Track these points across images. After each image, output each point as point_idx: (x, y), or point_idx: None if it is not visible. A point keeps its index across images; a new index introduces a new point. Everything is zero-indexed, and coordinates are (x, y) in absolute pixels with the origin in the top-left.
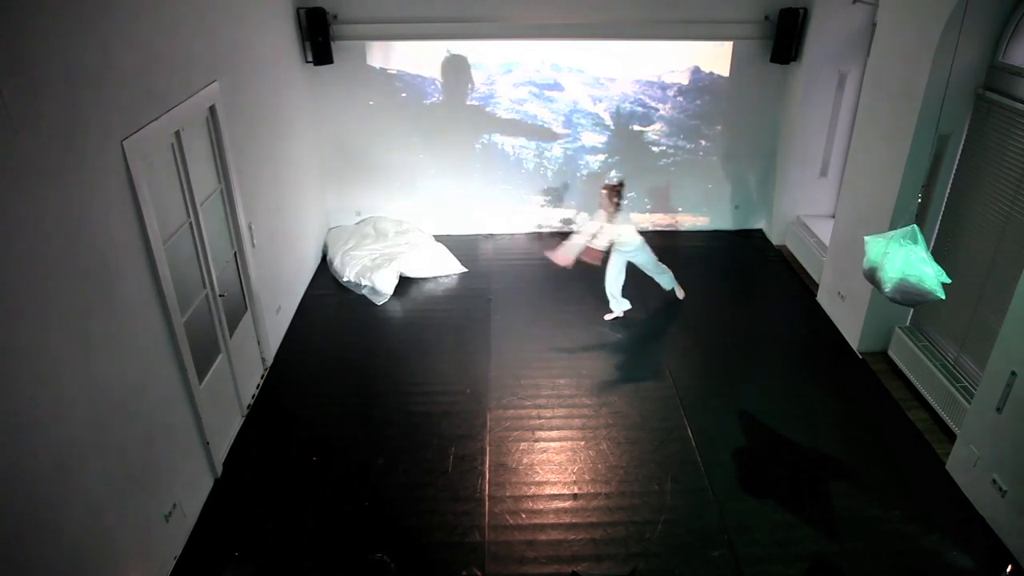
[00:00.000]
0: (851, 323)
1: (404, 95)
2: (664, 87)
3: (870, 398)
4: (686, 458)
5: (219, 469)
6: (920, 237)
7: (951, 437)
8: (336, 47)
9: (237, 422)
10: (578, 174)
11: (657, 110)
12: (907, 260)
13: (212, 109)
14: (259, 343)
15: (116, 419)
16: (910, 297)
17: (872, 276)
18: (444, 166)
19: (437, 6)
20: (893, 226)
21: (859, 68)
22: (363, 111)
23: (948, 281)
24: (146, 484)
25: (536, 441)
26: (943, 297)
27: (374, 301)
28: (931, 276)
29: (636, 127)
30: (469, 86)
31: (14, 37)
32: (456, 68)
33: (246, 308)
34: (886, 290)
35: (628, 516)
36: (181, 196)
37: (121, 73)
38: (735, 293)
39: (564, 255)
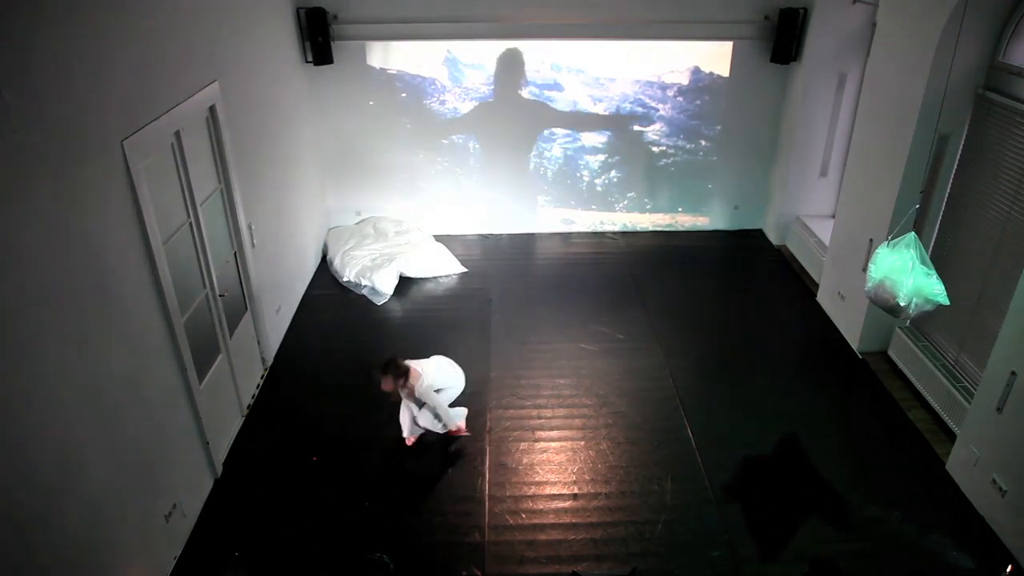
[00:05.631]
0: (851, 323)
1: (404, 95)
2: (664, 87)
3: (870, 398)
4: (686, 458)
5: (219, 469)
6: (916, 247)
7: (951, 437)
8: (336, 47)
9: (237, 422)
10: (578, 174)
11: (657, 110)
12: (892, 266)
13: (212, 109)
14: (259, 343)
15: (116, 419)
16: (881, 300)
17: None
18: (444, 166)
19: (437, 6)
20: (893, 226)
21: (859, 68)
22: (363, 111)
23: (945, 302)
24: (146, 484)
25: (536, 441)
26: (902, 304)
27: (374, 301)
28: (907, 285)
29: (636, 127)
30: (473, 85)
31: (14, 37)
32: (457, 68)
33: (246, 308)
34: (866, 287)
35: (628, 516)
36: (181, 196)
37: (121, 73)
38: (735, 293)
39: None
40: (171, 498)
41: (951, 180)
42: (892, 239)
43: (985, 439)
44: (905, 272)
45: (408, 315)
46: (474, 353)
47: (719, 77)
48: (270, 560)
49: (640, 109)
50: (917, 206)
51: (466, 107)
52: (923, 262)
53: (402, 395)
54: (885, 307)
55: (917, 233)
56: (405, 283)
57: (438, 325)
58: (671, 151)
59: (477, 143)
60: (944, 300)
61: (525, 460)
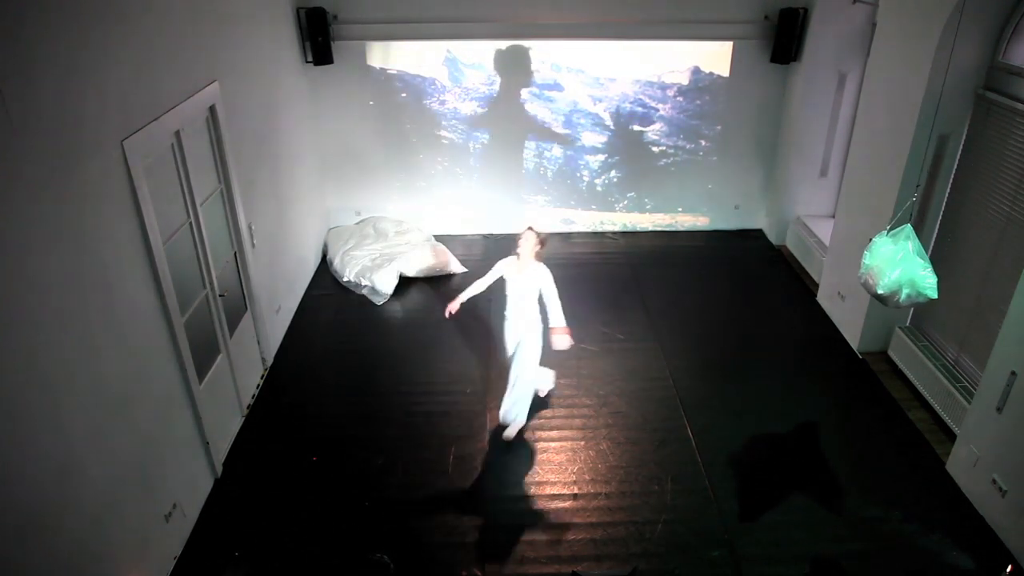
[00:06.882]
0: (851, 323)
1: (404, 95)
2: (664, 87)
3: (870, 398)
4: (686, 458)
5: (219, 469)
6: (910, 238)
7: (951, 437)
8: (336, 47)
9: (237, 422)
10: (578, 174)
11: (657, 110)
12: (883, 255)
13: (212, 109)
14: (259, 343)
15: (116, 419)
16: (868, 287)
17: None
18: (444, 166)
19: (437, 6)
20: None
21: (859, 68)
22: (363, 111)
23: (933, 295)
24: (146, 484)
25: (536, 441)
26: (881, 293)
27: (374, 301)
28: (890, 276)
29: (636, 127)
30: (473, 85)
31: (14, 37)
32: (457, 68)
33: (246, 308)
34: (859, 273)
35: (628, 516)
36: (181, 196)
37: (121, 73)
38: (735, 293)
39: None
40: (171, 498)
41: (951, 180)
42: (891, 229)
43: (985, 439)
44: (893, 263)
45: (408, 315)
46: (474, 353)
47: (719, 77)
48: (270, 560)
49: (640, 109)
50: (915, 198)
51: (466, 107)
52: (919, 254)
53: (521, 264)
54: (871, 294)
55: (917, 232)
56: (405, 283)
57: (438, 325)
58: (671, 151)
59: (477, 143)
60: (932, 294)
61: (525, 460)
